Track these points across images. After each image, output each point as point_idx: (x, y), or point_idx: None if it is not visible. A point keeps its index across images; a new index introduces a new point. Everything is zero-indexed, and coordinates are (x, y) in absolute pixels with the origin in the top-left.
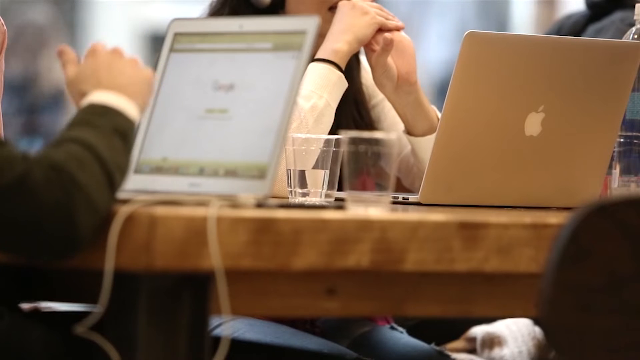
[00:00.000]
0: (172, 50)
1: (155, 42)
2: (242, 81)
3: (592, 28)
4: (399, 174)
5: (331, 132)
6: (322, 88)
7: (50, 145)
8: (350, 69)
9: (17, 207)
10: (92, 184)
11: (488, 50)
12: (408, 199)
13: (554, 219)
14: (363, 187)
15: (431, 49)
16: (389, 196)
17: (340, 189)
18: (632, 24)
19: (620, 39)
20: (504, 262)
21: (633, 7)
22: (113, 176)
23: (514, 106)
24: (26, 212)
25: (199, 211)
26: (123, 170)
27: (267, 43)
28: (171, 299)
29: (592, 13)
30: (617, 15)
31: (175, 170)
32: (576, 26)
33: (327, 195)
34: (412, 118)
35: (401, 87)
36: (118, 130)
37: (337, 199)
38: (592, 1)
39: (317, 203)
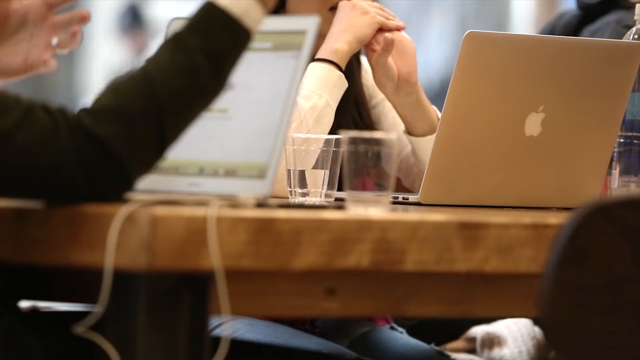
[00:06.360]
0: None
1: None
2: (242, 81)
3: (587, 30)
4: (399, 174)
5: (331, 132)
6: (322, 88)
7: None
8: (351, 70)
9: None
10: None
11: (488, 50)
12: (408, 199)
13: (554, 219)
14: (363, 187)
15: (431, 49)
16: (389, 196)
17: (340, 189)
18: (628, 25)
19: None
20: (504, 262)
21: (627, 8)
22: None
23: (514, 106)
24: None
25: (199, 211)
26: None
27: (267, 43)
28: (171, 299)
29: (584, 14)
30: (612, 17)
31: (175, 170)
32: (569, 27)
33: (327, 195)
34: (413, 118)
35: (401, 88)
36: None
37: (337, 199)
38: (584, 3)
39: (317, 203)
